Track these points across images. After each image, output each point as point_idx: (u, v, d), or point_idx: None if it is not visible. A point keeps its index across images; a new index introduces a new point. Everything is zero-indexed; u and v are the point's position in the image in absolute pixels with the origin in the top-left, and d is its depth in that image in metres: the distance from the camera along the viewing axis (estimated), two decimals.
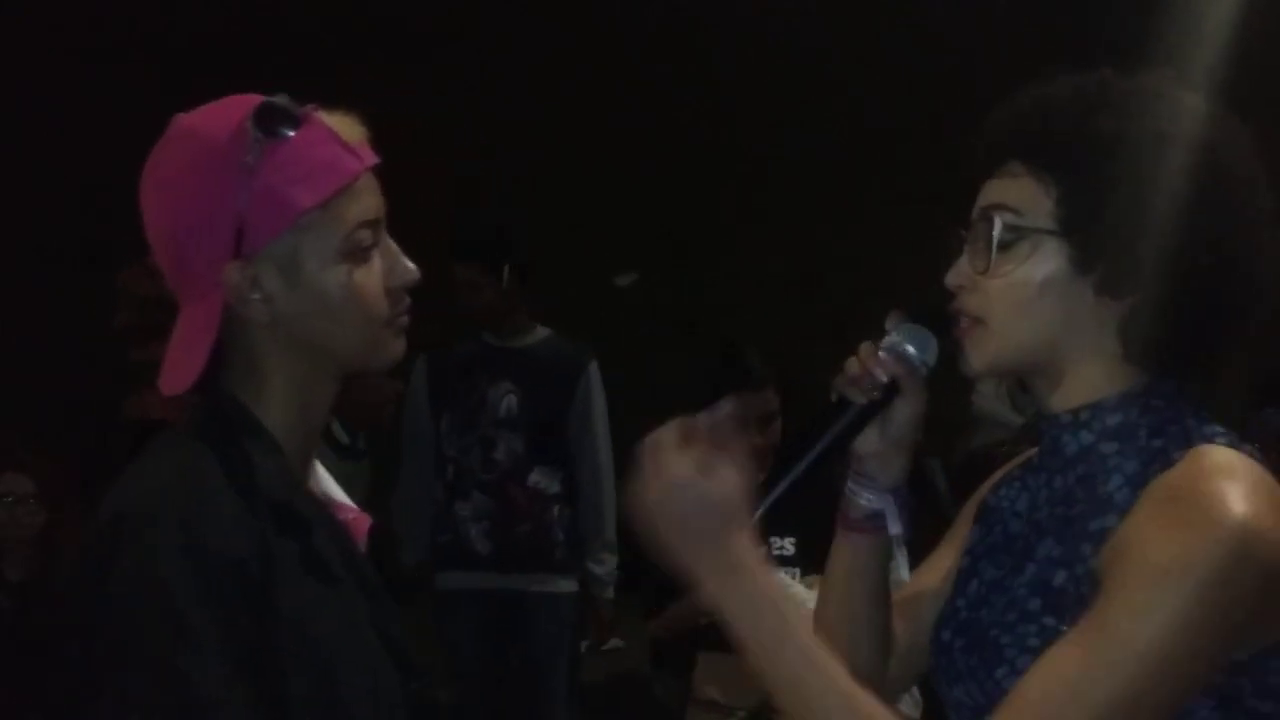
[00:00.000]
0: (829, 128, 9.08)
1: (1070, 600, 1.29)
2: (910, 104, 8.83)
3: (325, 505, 1.47)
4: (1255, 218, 1.34)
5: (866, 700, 1.23)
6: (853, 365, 1.41)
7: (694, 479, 1.24)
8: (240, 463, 1.35)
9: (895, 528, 1.45)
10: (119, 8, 9.17)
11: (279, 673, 1.29)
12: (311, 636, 1.32)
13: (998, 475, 1.53)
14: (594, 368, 4.44)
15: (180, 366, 1.40)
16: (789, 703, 1.26)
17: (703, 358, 3.64)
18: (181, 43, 9.43)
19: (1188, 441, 1.30)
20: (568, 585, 4.44)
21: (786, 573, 3.35)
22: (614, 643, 4.48)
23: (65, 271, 7.73)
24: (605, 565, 4.45)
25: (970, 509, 1.54)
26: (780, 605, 1.27)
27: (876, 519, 1.46)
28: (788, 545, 3.39)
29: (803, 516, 3.39)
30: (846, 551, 1.49)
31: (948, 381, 1.47)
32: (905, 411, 1.42)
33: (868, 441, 1.43)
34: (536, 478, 4.37)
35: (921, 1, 9.27)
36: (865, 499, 1.46)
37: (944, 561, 1.53)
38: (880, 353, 1.41)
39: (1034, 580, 1.35)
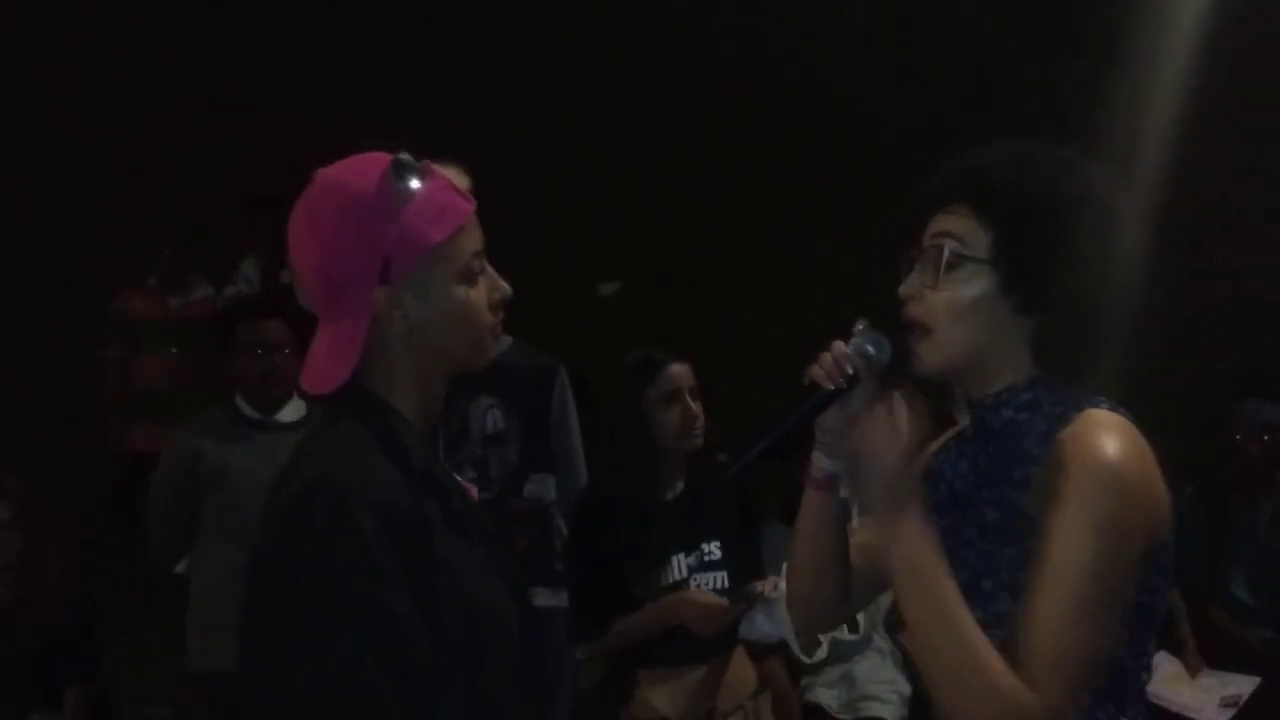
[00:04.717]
0: (812, 144, 9.09)
1: (998, 529, 1.76)
2: (892, 122, 8.84)
3: (452, 473, 1.86)
4: (1131, 259, 1.77)
5: (987, 656, 1.62)
6: (825, 359, 1.81)
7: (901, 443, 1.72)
8: (391, 440, 1.70)
9: (846, 485, 1.87)
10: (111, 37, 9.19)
11: (436, 597, 1.62)
12: (457, 573, 1.66)
13: (935, 444, 1.97)
14: (564, 373, 4.39)
15: (329, 370, 1.72)
16: (925, 641, 1.67)
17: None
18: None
19: (1079, 407, 1.74)
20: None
21: (715, 575, 3.41)
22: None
23: (42, 297, 7.72)
24: None
25: (916, 470, 1.92)
26: (932, 557, 1.68)
27: (833, 480, 1.90)
28: (714, 549, 3.42)
29: (727, 524, 3.44)
30: (812, 506, 1.92)
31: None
32: (863, 398, 1.81)
33: (831, 417, 1.83)
34: (532, 486, 4.30)
35: (906, 20, 9.30)
36: (826, 463, 1.89)
37: None
38: (848, 350, 1.80)
39: (974, 519, 1.80)
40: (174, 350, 6.50)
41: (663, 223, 8.89)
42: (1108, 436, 1.68)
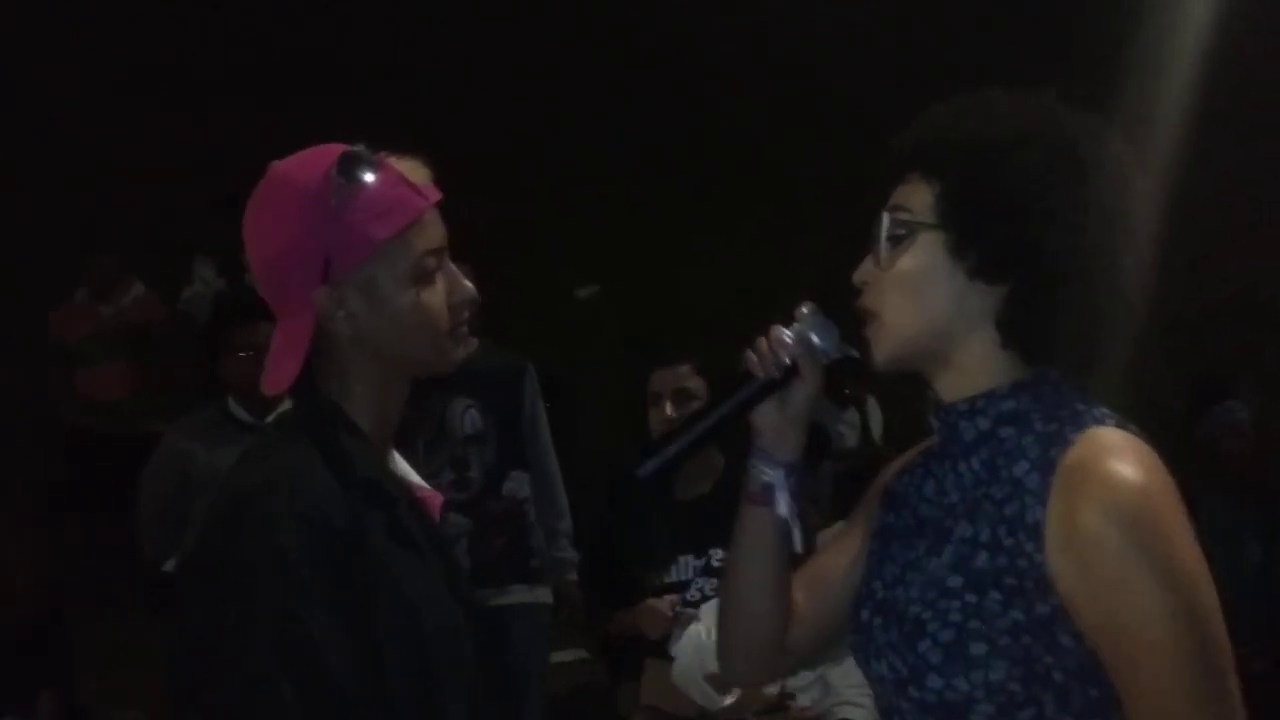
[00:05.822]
0: (812, 144, 9.08)
1: (992, 579, 1.40)
2: (892, 121, 8.83)
3: (405, 484, 1.72)
4: (1116, 213, 1.44)
5: None
6: (761, 345, 1.54)
7: None
8: (336, 450, 1.59)
9: (784, 500, 1.56)
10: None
11: (373, 615, 1.52)
12: (398, 586, 1.55)
13: (898, 462, 1.64)
14: (533, 371, 4.43)
15: (279, 370, 1.62)
16: None
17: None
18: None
19: (1080, 424, 1.42)
20: (544, 595, 4.41)
21: (719, 583, 3.33)
22: (579, 654, 4.41)
23: (40, 297, 7.71)
24: (568, 553, 4.43)
25: (874, 493, 1.64)
26: None
27: (771, 492, 1.57)
28: (719, 557, 3.37)
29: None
30: (748, 522, 1.59)
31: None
32: (803, 392, 1.55)
33: (766, 416, 1.55)
34: (510, 485, 4.35)
35: (906, 20, 9.29)
36: (763, 472, 1.57)
37: (850, 541, 1.63)
38: (786, 337, 1.53)
39: (954, 561, 1.44)
40: (118, 359, 6.34)
41: (659, 221, 8.89)
42: (1124, 466, 1.37)
